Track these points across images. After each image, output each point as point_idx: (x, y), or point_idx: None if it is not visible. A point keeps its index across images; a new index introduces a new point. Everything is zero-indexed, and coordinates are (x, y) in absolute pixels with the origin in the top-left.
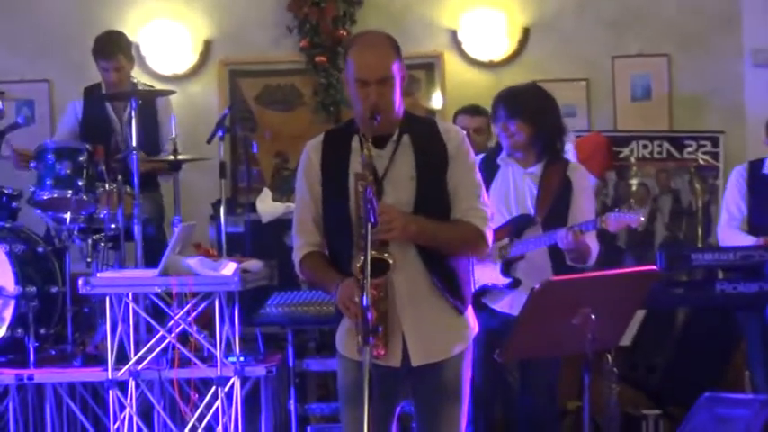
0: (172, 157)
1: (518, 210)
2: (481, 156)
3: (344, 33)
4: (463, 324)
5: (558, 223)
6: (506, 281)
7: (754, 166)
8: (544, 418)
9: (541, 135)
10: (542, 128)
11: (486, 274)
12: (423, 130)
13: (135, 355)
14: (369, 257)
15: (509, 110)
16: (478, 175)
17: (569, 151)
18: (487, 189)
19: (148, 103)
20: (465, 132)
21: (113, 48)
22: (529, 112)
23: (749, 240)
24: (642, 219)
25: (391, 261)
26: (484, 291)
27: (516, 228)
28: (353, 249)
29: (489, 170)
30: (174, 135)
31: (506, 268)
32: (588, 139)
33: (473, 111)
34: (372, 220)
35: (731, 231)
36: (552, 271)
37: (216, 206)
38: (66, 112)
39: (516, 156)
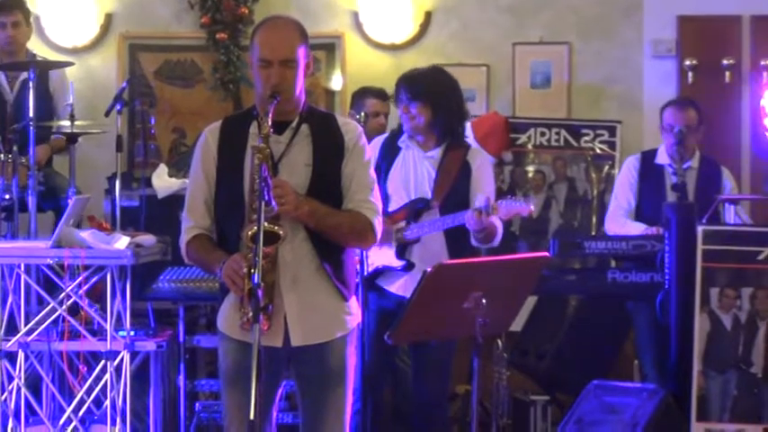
0: (68, 123)
1: (417, 193)
2: (383, 137)
3: (246, 11)
4: (346, 310)
5: (456, 208)
6: (400, 263)
7: (647, 156)
8: (433, 404)
9: (442, 119)
10: (443, 111)
11: (381, 255)
12: (322, 122)
13: (25, 326)
14: (261, 238)
15: (411, 92)
16: (373, 172)
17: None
18: (389, 171)
19: (41, 74)
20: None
21: (13, 2)
22: (430, 95)
23: (638, 227)
24: (532, 209)
25: (282, 233)
26: (378, 272)
27: (413, 211)
28: (242, 231)
29: (391, 152)
30: (71, 101)
31: (401, 251)
32: (485, 119)
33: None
34: (266, 197)
35: (619, 219)
36: (447, 255)
37: (111, 180)
38: None
39: (417, 139)
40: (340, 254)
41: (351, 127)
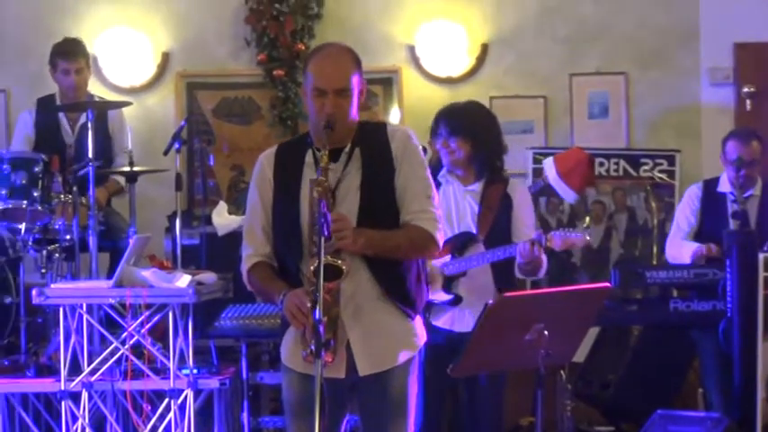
0: (127, 169)
1: (459, 227)
2: None
3: (303, 47)
4: (411, 331)
5: (500, 240)
6: (448, 297)
7: (709, 184)
8: None
9: (481, 153)
10: (482, 146)
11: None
12: (373, 137)
13: (88, 366)
14: (321, 271)
15: (450, 127)
16: (428, 175)
17: (548, 164)
18: None
19: (100, 115)
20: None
21: (77, 49)
22: (469, 129)
23: (692, 245)
24: (587, 239)
25: (345, 268)
26: (425, 307)
27: (458, 245)
28: (302, 263)
29: None
30: (129, 148)
31: (448, 285)
32: (569, 154)
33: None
34: (326, 233)
35: (676, 242)
36: (494, 287)
37: (171, 218)
38: (18, 123)
39: (457, 173)
40: (400, 273)
41: (398, 134)
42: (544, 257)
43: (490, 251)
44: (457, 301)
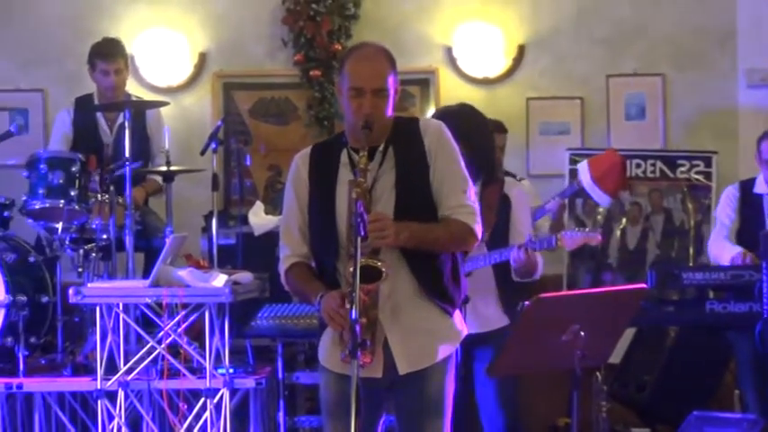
0: (164, 168)
1: None
2: None
3: (339, 47)
4: (452, 327)
5: (501, 240)
6: None
7: (746, 185)
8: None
9: (475, 155)
10: (476, 148)
11: None
12: (406, 134)
13: (125, 365)
14: (358, 272)
15: None
16: (463, 168)
17: (582, 169)
18: None
19: (138, 115)
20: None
21: (116, 49)
22: (462, 133)
23: (733, 250)
24: (599, 237)
25: (384, 269)
26: None
27: None
28: (339, 262)
29: None
30: (166, 147)
31: None
32: (603, 157)
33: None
34: (362, 233)
35: (719, 241)
36: (496, 287)
37: (208, 218)
38: (56, 122)
39: None
40: (438, 269)
41: (431, 129)
42: (539, 259)
43: (496, 252)
44: (465, 301)
